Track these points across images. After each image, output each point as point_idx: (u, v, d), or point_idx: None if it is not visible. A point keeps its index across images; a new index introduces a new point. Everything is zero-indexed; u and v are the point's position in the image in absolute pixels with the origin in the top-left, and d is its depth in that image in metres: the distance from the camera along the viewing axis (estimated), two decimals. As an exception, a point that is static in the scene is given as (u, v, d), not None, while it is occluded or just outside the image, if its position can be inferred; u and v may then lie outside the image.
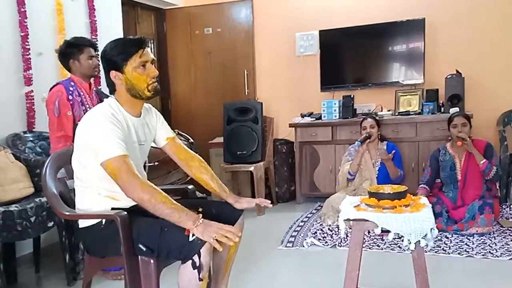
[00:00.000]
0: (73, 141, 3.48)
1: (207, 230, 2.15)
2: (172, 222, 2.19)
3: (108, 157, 2.24)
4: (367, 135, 4.97)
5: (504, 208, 5.05)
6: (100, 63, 2.52)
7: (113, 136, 2.28)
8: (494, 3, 5.83)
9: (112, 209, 2.40)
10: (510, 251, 3.88)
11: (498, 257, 3.79)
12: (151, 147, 2.75)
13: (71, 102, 3.66)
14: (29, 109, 4.41)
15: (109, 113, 2.36)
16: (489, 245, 4.05)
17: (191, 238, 2.15)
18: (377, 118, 5.30)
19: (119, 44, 2.45)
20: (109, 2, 5.59)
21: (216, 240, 2.13)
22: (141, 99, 2.48)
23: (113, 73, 2.43)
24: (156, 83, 2.48)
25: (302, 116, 6.20)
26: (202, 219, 2.20)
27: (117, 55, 2.40)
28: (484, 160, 4.44)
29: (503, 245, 4.02)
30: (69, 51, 3.75)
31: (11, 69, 4.33)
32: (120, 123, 2.38)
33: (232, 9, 6.78)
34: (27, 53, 4.41)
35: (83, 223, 2.47)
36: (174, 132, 2.86)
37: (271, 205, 2.72)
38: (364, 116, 5.51)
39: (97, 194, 2.42)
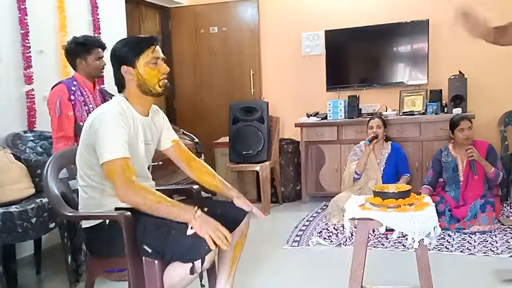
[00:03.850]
0: (74, 141, 3.51)
1: (205, 226, 2.16)
2: (171, 218, 2.21)
3: (107, 158, 2.25)
4: (374, 134, 4.94)
5: (505, 207, 5.08)
6: (109, 61, 2.51)
7: (117, 136, 2.28)
8: (497, 5, 5.77)
9: (116, 209, 2.38)
10: (510, 248, 3.93)
11: (499, 254, 3.84)
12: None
13: (72, 102, 3.63)
14: (30, 108, 4.34)
15: (117, 111, 2.36)
16: (490, 242, 4.11)
17: (189, 232, 2.16)
18: (383, 118, 5.27)
19: (131, 40, 2.51)
20: (113, 0, 5.57)
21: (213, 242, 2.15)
22: (152, 95, 2.49)
23: (124, 68, 2.44)
24: (166, 79, 2.50)
25: (308, 115, 6.18)
26: (199, 210, 2.22)
27: (130, 50, 2.43)
28: (493, 169, 4.51)
29: (503, 243, 4.07)
30: (77, 50, 3.71)
31: (11, 68, 4.26)
32: (128, 121, 2.38)
33: (238, 8, 6.76)
34: (28, 51, 4.34)
35: (86, 223, 2.46)
36: (179, 131, 2.86)
37: (263, 218, 2.71)
38: (371, 116, 5.49)
39: (100, 193, 2.42)
